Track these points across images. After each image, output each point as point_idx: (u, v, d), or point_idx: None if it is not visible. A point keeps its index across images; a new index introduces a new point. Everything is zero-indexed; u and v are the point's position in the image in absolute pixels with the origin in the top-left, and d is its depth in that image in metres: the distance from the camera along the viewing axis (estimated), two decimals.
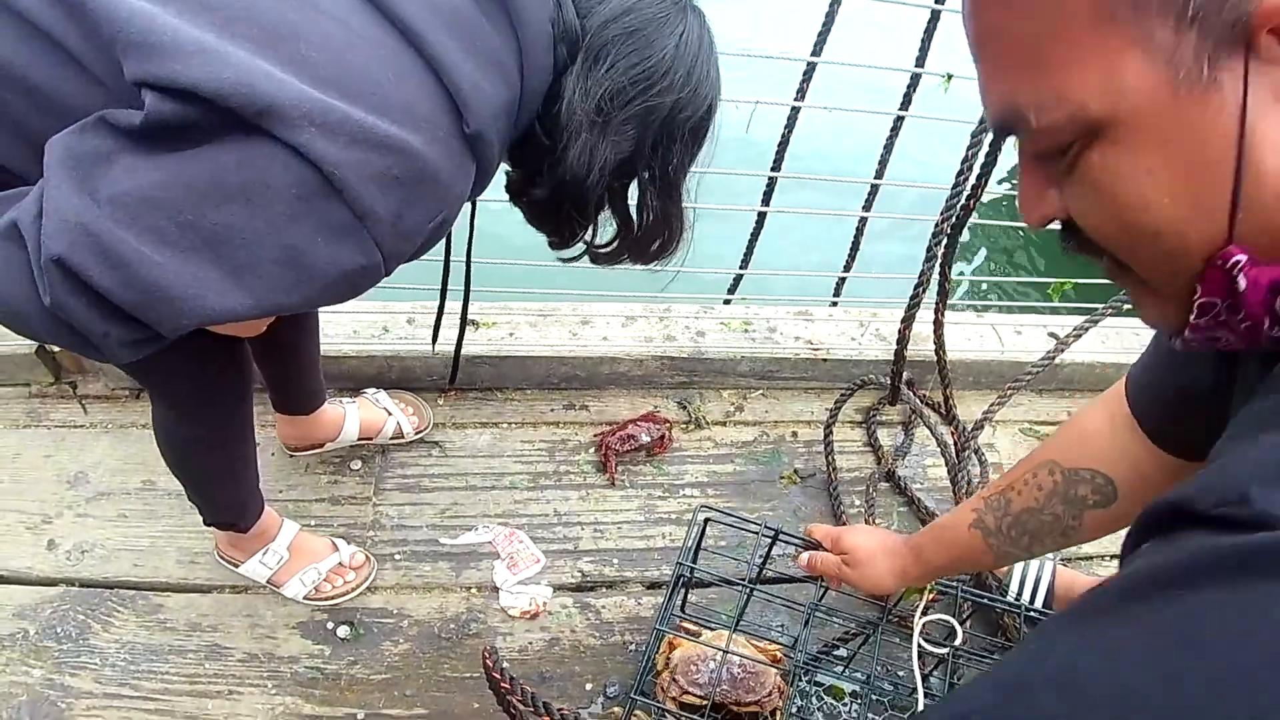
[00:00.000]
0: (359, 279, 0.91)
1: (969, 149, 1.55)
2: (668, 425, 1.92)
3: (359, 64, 0.85)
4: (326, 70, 0.82)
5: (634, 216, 1.15)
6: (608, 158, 1.04)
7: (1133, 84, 0.46)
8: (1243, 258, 0.49)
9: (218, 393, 1.29)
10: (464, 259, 1.42)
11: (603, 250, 1.21)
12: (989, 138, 1.53)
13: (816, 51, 1.86)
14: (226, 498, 1.48)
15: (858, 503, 1.86)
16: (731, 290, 2.34)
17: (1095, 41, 0.46)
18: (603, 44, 1.00)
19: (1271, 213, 0.47)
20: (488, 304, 2.00)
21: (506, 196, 1.17)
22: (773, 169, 2.02)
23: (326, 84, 0.82)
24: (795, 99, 1.93)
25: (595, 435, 1.91)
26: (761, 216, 2.16)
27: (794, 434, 2.01)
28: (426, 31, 0.87)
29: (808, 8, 1.85)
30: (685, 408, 2.01)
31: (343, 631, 1.55)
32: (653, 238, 1.18)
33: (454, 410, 1.94)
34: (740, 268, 2.26)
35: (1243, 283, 0.49)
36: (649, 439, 1.88)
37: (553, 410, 1.98)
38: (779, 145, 2.02)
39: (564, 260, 1.23)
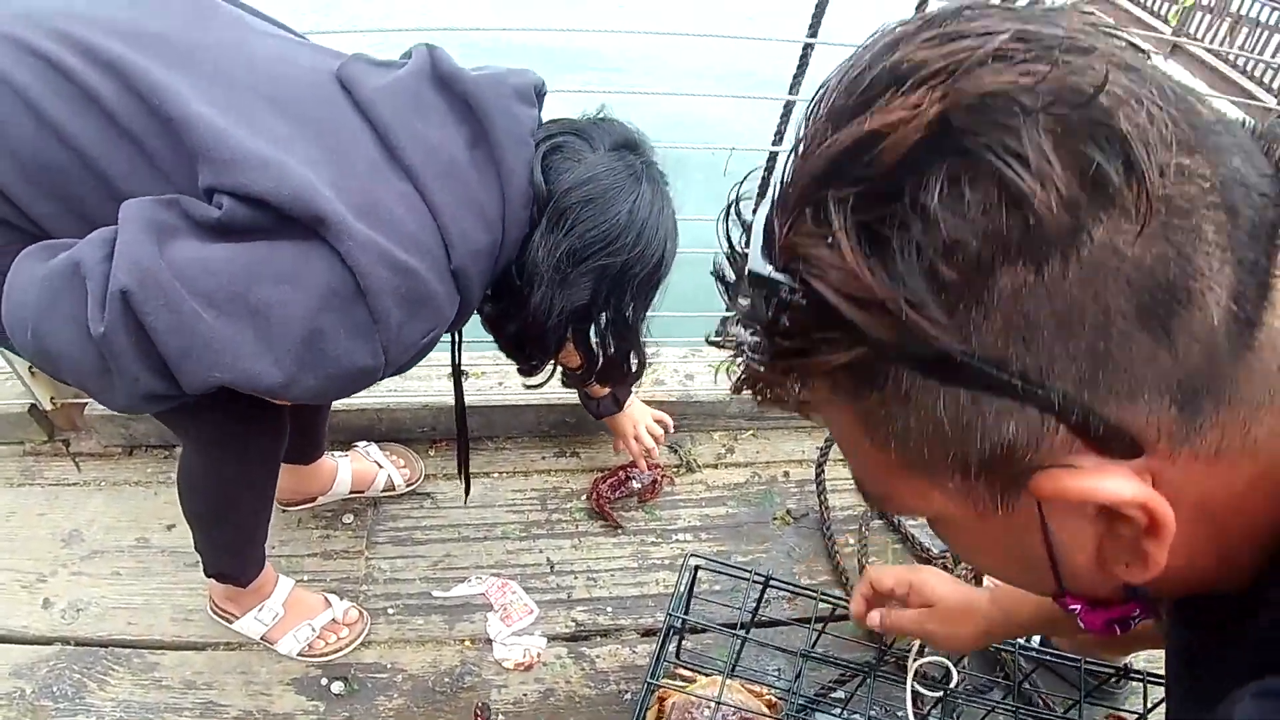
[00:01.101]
0: (361, 377, 1.05)
1: None
2: (659, 470, 1.93)
3: (381, 198, 1.02)
4: (360, 200, 1.00)
5: (595, 353, 1.31)
6: (565, 306, 1.19)
7: (942, 508, 0.52)
8: (1077, 606, 0.58)
9: (256, 444, 1.36)
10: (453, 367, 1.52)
11: (571, 376, 1.41)
12: None
13: (794, 89, 1.89)
14: (237, 550, 1.50)
15: (851, 541, 1.86)
16: (719, 333, 2.35)
17: (907, 481, 0.52)
18: (564, 208, 1.16)
19: (1090, 585, 0.55)
20: (477, 353, 2.01)
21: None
22: (753, 210, 2.04)
23: (359, 211, 0.99)
24: (773, 142, 1.96)
25: (591, 483, 1.92)
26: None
27: (785, 474, 2.01)
28: (426, 179, 1.05)
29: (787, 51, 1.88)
30: (676, 451, 2.02)
31: (337, 687, 1.55)
32: (613, 369, 1.34)
33: (444, 461, 1.95)
34: (726, 310, 2.27)
35: (1082, 623, 0.60)
36: (639, 485, 1.89)
37: (544, 458, 1.99)
38: (760, 185, 2.05)
39: (529, 387, 1.41)
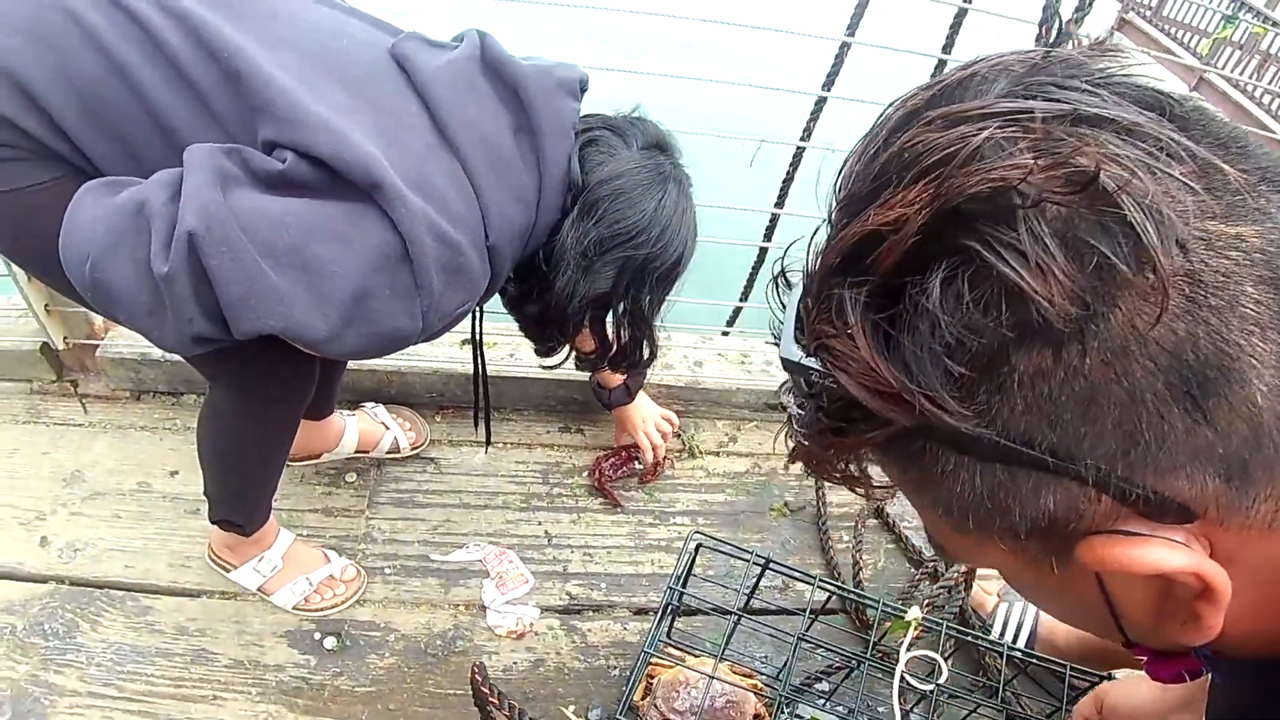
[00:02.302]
0: (399, 338, 1.10)
1: None
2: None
3: (431, 173, 1.08)
4: (412, 172, 1.05)
5: (610, 339, 1.38)
6: (587, 292, 1.26)
7: (1001, 563, 0.54)
8: (1143, 659, 0.60)
9: (289, 392, 1.39)
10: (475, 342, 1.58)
11: (584, 359, 1.47)
12: None
13: (827, 86, 1.90)
14: (248, 497, 1.51)
15: (846, 537, 1.88)
16: (730, 322, 2.37)
17: (962, 538, 0.53)
18: (595, 199, 1.22)
19: (1155, 640, 0.54)
20: (491, 324, 2.02)
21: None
22: (776, 205, 2.05)
23: (411, 182, 1.04)
24: (801, 138, 1.97)
25: (593, 460, 1.93)
26: (763, 251, 2.19)
27: (786, 467, 2.02)
28: (473, 160, 1.11)
29: (822, 48, 1.89)
30: (679, 436, 2.03)
31: (329, 643, 1.56)
32: (626, 356, 1.40)
33: (451, 427, 1.96)
34: (740, 300, 2.28)
35: (1150, 674, 0.61)
36: (641, 465, 1.90)
37: (548, 432, 2.00)
38: (783, 182, 2.06)
39: (546, 368, 1.47)
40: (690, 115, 1.37)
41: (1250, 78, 9.19)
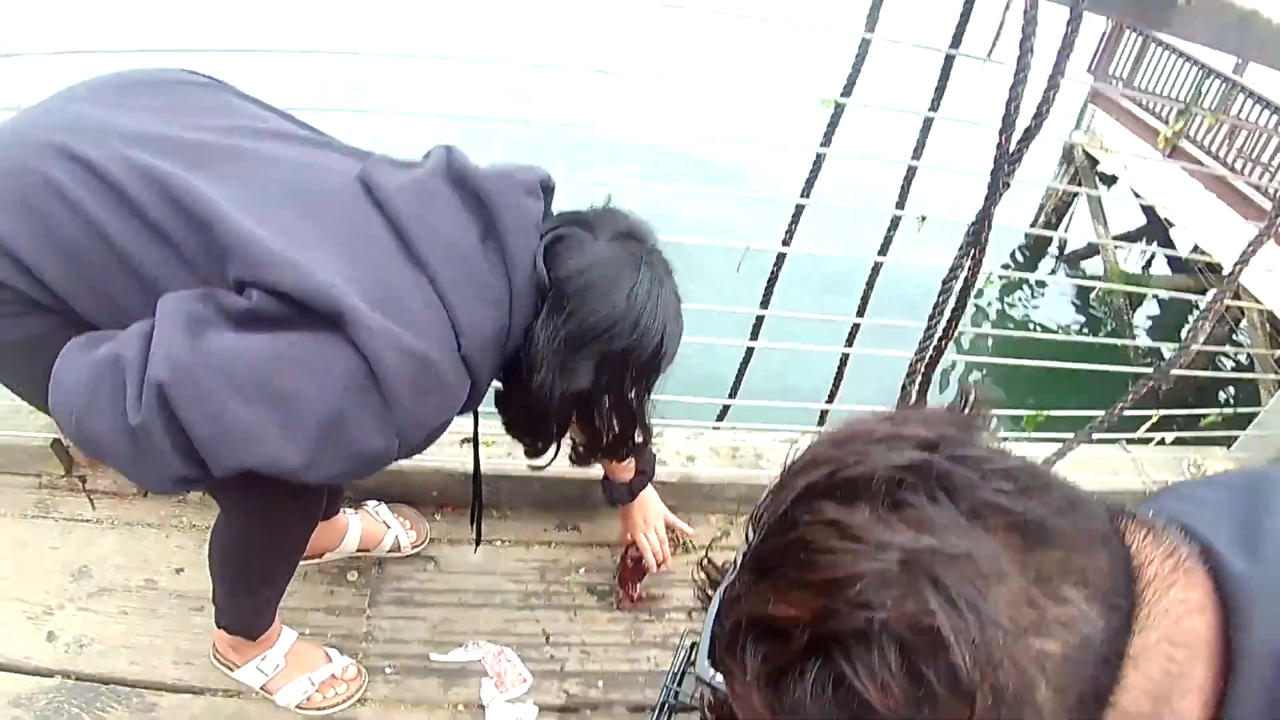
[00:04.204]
0: (377, 459, 1.14)
1: (940, 294, 1.67)
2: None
3: (396, 289, 1.12)
4: (376, 292, 1.09)
5: (600, 432, 1.37)
6: (565, 389, 1.26)
7: None
8: None
9: (300, 513, 1.43)
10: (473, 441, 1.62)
11: (577, 454, 1.48)
12: (959, 284, 1.66)
13: (806, 193, 2.02)
14: (257, 606, 1.55)
15: None
16: (720, 417, 2.44)
17: None
18: (565, 295, 1.23)
19: None
20: (485, 424, 2.08)
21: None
22: (762, 304, 2.15)
23: (376, 302, 1.08)
24: (784, 240, 2.07)
25: (614, 583, 1.96)
26: (749, 350, 2.28)
27: None
28: (439, 270, 1.14)
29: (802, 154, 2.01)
30: (673, 531, 2.08)
31: None
32: (617, 448, 1.42)
33: (450, 525, 2.00)
34: (729, 396, 2.36)
35: None
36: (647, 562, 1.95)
37: (545, 530, 2.05)
38: (767, 283, 2.16)
39: (534, 468, 1.45)
40: (678, 221, 1.44)
41: (1223, 143, 9.46)
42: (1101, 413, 2.06)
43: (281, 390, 1.04)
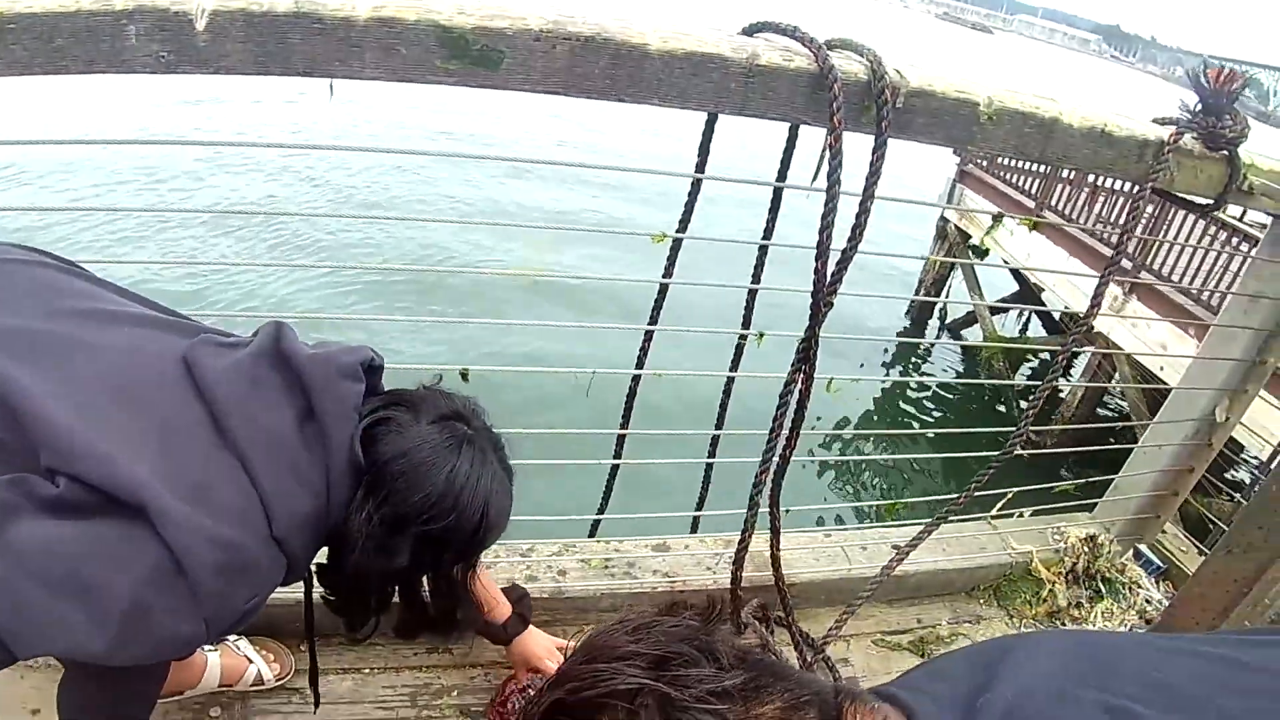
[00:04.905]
0: (183, 643, 1.14)
1: (777, 408, 1.76)
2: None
3: (207, 477, 1.14)
4: (186, 481, 1.12)
5: (423, 607, 1.43)
6: (383, 569, 1.29)
7: None
8: None
9: (141, 682, 1.38)
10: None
11: (404, 627, 1.51)
12: (794, 398, 1.76)
13: (654, 320, 2.12)
14: None
15: None
16: (592, 533, 2.48)
17: None
18: (380, 478, 1.26)
19: None
20: None
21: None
22: (621, 426, 2.23)
23: (184, 491, 1.11)
24: (636, 366, 2.16)
25: (484, 675, 1.96)
26: (614, 468, 2.35)
27: None
28: (252, 455, 1.16)
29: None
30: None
31: None
32: (443, 623, 1.46)
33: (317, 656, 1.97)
34: (598, 513, 2.41)
35: None
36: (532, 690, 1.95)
37: (415, 655, 2.04)
38: (625, 404, 2.24)
39: (354, 640, 1.50)
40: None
41: (1083, 209, 10.33)
42: (955, 495, 2.18)
43: (89, 579, 1.05)
